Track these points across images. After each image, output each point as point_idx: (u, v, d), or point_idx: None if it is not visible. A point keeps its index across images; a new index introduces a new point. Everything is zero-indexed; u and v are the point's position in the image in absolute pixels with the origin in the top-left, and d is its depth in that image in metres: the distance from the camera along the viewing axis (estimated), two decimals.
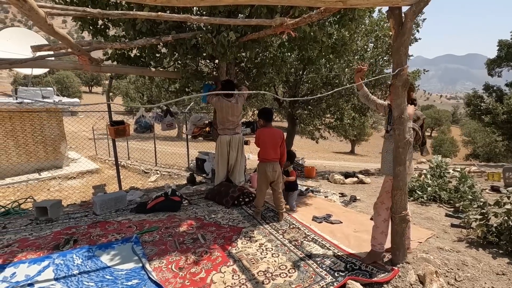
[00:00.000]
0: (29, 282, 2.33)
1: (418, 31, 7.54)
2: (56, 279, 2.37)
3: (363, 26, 6.78)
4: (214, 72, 5.15)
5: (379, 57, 7.56)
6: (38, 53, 3.16)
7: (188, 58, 4.23)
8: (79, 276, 2.42)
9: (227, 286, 2.27)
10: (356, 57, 7.48)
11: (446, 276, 2.16)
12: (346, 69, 7.09)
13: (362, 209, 4.11)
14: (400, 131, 2.06)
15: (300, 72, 7.79)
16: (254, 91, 3.03)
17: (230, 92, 4.00)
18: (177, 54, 4.16)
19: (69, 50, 3.10)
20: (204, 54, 4.15)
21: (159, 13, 2.33)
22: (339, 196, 4.72)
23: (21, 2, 1.54)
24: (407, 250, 2.47)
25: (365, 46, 7.39)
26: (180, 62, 4.62)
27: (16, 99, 9.92)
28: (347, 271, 2.39)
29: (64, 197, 7.50)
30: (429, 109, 54.89)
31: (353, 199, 4.56)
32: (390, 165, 2.24)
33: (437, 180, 4.49)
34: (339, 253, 2.70)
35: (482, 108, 13.69)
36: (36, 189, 8.74)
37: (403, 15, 1.90)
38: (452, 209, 3.90)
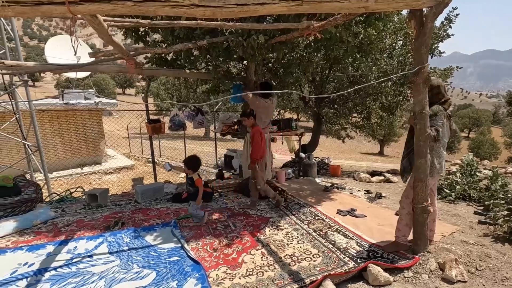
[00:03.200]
0: (88, 254, 2.74)
1: (450, 27, 7.31)
2: (110, 253, 2.76)
3: (391, 23, 6.72)
4: (243, 73, 5.43)
5: (409, 54, 7.43)
6: (84, 59, 3.62)
7: (219, 60, 4.53)
8: (129, 251, 2.79)
9: (257, 265, 2.51)
10: (384, 55, 7.42)
11: (467, 265, 2.24)
12: (374, 67, 7.05)
13: (387, 205, 4.17)
14: (421, 126, 2.17)
15: (327, 72, 7.86)
16: (281, 91, 3.17)
17: (265, 92, 4.24)
18: (209, 57, 4.48)
19: (117, 55, 3.53)
20: (235, 56, 4.43)
21: (199, 21, 2.63)
22: (364, 193, 4.79)
23: (93, 18, 1.89)
24: (430, 241, 2.56)
25: (394, 44, 7.31)
26: (211, 64, 4.95)
27: (63, 100, 10.95)
28: (369, 258, 2.53)
29: None
30: (466, 109, 51.54)
31: (379, 196, 4.61)
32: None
33: (466, 178, 4.41)
34: (362, 243, 2.85)
35: None
36: (79, 183, 9.56)
37: (424, 16, 2.03)
38: (481, 208, 3.84)
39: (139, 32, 4.54)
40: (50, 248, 2.84)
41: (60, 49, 10.63)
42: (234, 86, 5.13)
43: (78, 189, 5.51)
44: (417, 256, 2.37)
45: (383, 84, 7.74)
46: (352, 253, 2.66)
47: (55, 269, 2.49)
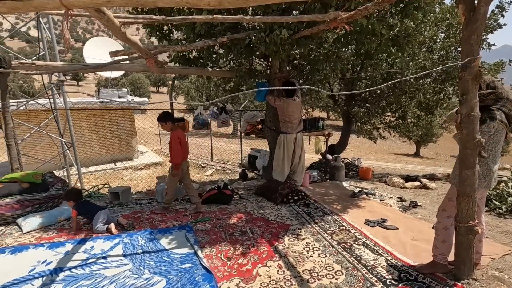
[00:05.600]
0: (103, 255, 2.72)
1: (503, 15, 6.49)
2: (124, 255, 2.71)
3: (432, 14, 6.10)
4: (267, 70, 5.22)
5: (452, 48, 6.72)
6: (116, 58, 3.63)
7: (242, 57, 4.37)
8: (142, 255, 2.72)
9: (272, 280, 2.31)
10: (423, 49, 6.79)
11: None
12: (411, 63, 6.47)
13: (423, 216, 3.74)
14: (469, 131, 1.82)
15: (358, 68, 7.38)
16: (307, 86, 2.86)
17: (288, 88, 4.07)
18: (232, 54, 4.33)
19: (139, 54, 3.49)
20: (258, 53, 4.24)
21: (215, 15, 2.48)
22: (397, 201, 4.37)
23: (101, 14, 1.79)
24: (476, 265, 2.18)
25: (434, 37, 6.64)
26: (234, 62, 4.80)
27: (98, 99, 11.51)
28: (401, 280, 2.22)
29: (134, 185, 8.44)
30: None
31: (413, 204, 4.18)
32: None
33: None
34: (392, 261, 2.53)
35: None
36: (112, 177, 10.00)
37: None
38: None
39: (163, 31, 4.52)
40: (69, 247, 2.87)
41: (97, 50, 11.17)
42: (257, 84, 4.94)
43: (105, 186, 5.68)
44: (459, 284, 2.02)
45: (421, 81, 7.11)
46: (380, 272, 2.36)
47: (70, 269, 2.49)
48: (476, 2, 1.68)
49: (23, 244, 2.92)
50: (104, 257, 2.68)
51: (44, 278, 2.37)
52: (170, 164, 3.77)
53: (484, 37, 6.58)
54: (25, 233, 3.16)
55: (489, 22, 6.45)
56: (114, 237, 3.07)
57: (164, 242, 2.98)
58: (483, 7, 1.65)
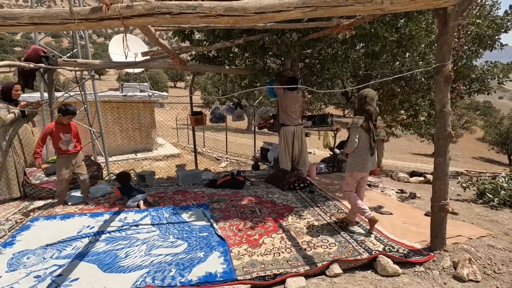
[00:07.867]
0: (135, 224, 3.25)
1: None
2: (152, 225, 3.24)
3: None
4: (280, 68, 5.62)
5: (465, 48, 6.84)
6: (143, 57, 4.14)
7: (256, 57, 4.79)
8: (167, 225, 3.24)
9: (275, 247, 2.76)
10: (434, 50, 6.95)
11: (485, 267, 2.19)
12: (420, 62, 6.66)
13: (419, 205, 4.06)
14: (441, 124, 2.17)
15: (369, 67, 7.61)
16: (304, 86, 3.18)
17: (292, 86, 4.51)
18: (247, 54, 4.77)
19: (165, 53, 3.99)
20: (270, 53, 4.65)
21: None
22: (397, 192, 4.69)
23: (143, 26, 2.27)
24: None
25: None
26: (249, 60, 5.23)
27: (122, 93, 12.25)
28: (384, 251, 2.60)
29: None
30: None
31: (412, 196, 4.49)
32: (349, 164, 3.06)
33: None
34: (381, 238, 2.90)
35: None
36: (133, 167, 10.69)
37: (447, 15, 2.02)
38: None
39: (185, 32, 5.01)
40: (106, 216, 3.43)
41: (121, 47, 11.87)
42: (271, 81, 5.36)
43: (131, 171, 6.29)
44: (432, 254, 2.38)
45: (432, 80, 7.26)
46: (368, 245, 2.74)
47: (109, 232, 3.04)
48: (448, 17, 2.02)
49: (70, 213, 3.51)
50: (136, 225, 3.22)
51: (90, 237, 2.93)
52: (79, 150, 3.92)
53: (497, 37, 6.68)
54: (69, 205, 3.76)
55: (502, 22, 6.54)
56: (143, 211, 3.61)
57: (185, 216, 3.48)
58: (451, 22, 1.98)
